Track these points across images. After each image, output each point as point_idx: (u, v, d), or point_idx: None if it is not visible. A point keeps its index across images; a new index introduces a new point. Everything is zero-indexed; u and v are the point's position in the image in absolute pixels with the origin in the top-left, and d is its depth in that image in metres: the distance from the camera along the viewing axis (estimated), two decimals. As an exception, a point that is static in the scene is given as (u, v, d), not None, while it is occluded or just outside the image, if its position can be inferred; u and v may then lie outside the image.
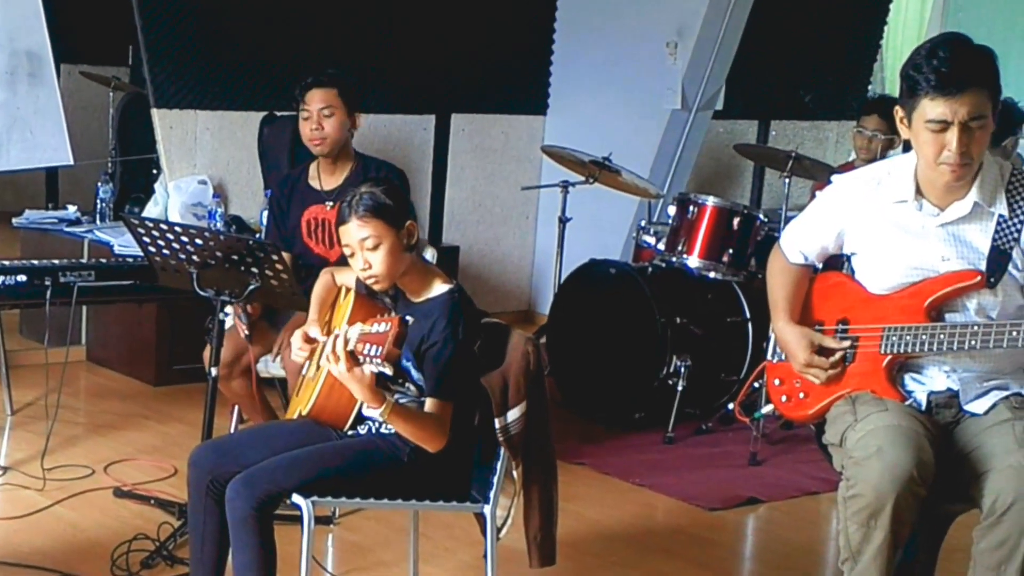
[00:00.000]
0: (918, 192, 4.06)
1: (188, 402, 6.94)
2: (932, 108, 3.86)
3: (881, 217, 4.13)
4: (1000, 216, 4.02)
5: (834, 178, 4.36)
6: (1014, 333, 3.92)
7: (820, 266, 4.44)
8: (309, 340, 4.33)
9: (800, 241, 4.37)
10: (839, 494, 4.00)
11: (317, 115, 5.70)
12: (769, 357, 4.51)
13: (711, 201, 7.16)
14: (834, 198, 4.29)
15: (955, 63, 3.83)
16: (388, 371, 3.85)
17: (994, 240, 4.01)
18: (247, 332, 5.41)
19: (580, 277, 7.43)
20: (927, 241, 4.07)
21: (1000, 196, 4.03)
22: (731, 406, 6.91)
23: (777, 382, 4.43)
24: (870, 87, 10.81)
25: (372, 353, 3.78)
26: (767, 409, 4.61)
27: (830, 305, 4.32)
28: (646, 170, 8.48)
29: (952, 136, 3.86)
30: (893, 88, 11.17)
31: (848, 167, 7.62)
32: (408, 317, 3.91)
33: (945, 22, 11.89)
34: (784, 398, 4.40)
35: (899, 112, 4.02)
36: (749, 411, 6.34)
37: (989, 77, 3.91)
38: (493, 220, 9.47)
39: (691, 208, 7.17)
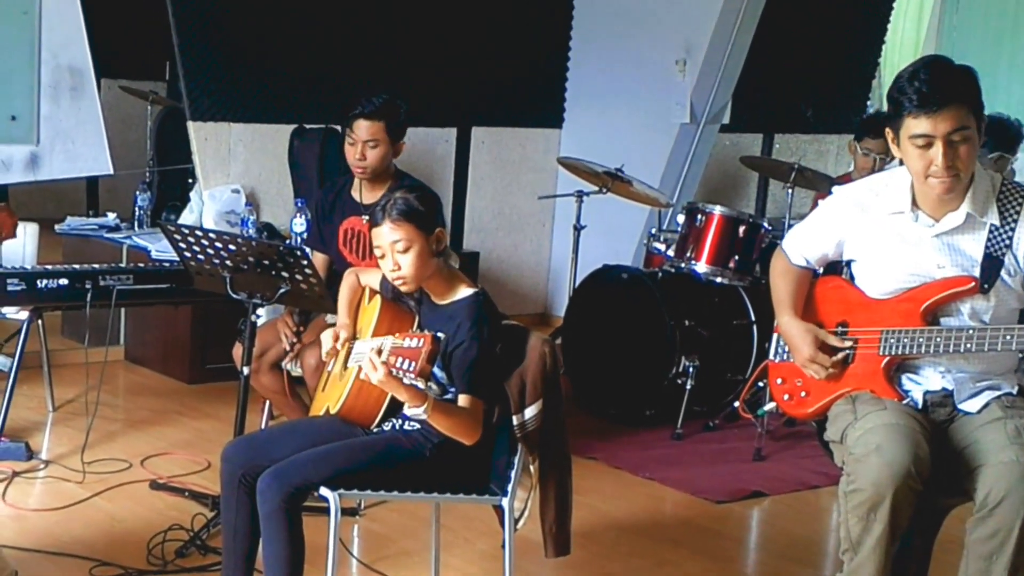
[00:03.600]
0: (914, 204, 4.06)
1: (220, 399, 6.93)
2: (916, 125, 3.87)
3: (879, 227, 4.12)
4: (992, 225, 4.01)
5: (835, 189, 4.36)
6: (1007, 336, 3.93)
7: (820, 270, 4.43)
8: (337, 339, 4.33)
9: (803, 246, 4.36)
10: (840, 488, 3.99)
11: (362, 146, 5.56)
12: (771, 357, 4.48)
13: (718, 210, 7.15)
14: (835, 208, 4.28)
15: (934, 82, 3.84)
16: (420, 384, 3.85)
17: (987, 247, 4.01)
18: (288, 348, 5.41)
19: (594, 281, 7.41)
20: (923, 250, 4.06)
21: (992, 206, 4.03)
22: (736, 404, 6.89)
23: (779, 381, 4.41)
24: (868, 103, 10.80)
25: (405, 367, 3.78)
26: (769, 406, 4.59)
27: (829, 308, 4.31)
28: (656, 180, 8.47)
29: (937, 151, 3.86)
30: (890, 103, 11.15)
31: (846, 178, 7.61)
32: (440, 334, 3.90)
33: (940, 42, 11.87)
34: (786, 396, 4.38)
35: (890, 133, 4.02)
36: (752, 408, 6.31)
37: (968, 93, 3.91)
38: (511, 227, 9.46)
39: (699, 217, 7.16)
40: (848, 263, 4.31)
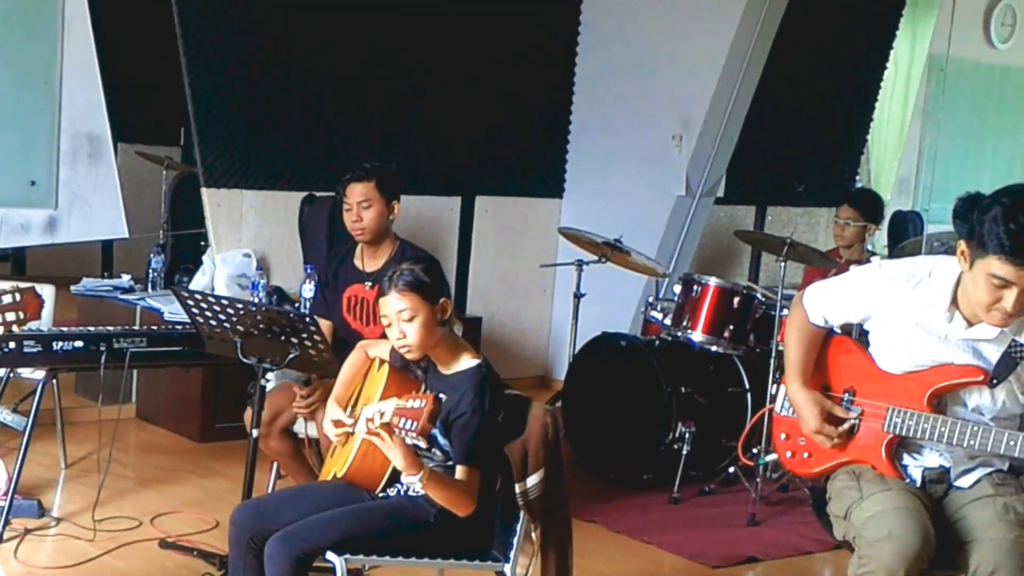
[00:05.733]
0: (953, 302, 3.92)
1: (230, 458, 6.84)
2: (1000, 267, 3.69)
3: (910, 314, 3.98)
4: (1014, 340, 3.88)
5: (875, 260, 4.23)
6: (1011, 443, 3.83)
7: (838, 331, 4.32)
8: (339, 423, 4.27)
9: (826, 308, 4.20)
10: (850, 571, 3.91)
11: (357, 208, 5.61)
12: (778, 410, 4.38)
13: (713, 281, 7.11)
14: (870, 283, 4.11)
15: None
16: (422, 444, 3.83)
17: (1007, 349, 3.90)
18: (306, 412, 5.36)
19: (593, 348, 7.35)
20: (946, 347, 3.95)
21: None
22: (736, 460, 6.78)
23: (783, 436, 4.33)
24: (857, 178, 10.80)
25: (407, 427, 3.75)
26: (770, 457, 4.49)
27: (839, 372, 4.22)
28: (653, 251, 8.42)
29: (1011, 296, 3.72)
30: (877, 179, 11.23)
31: (835, 253, 7.64)
32: (441, 395, 3.86)
33: (926, 121, 11.90)
34: (789, 453, 4.30)
35: (962, 246, 3.81)
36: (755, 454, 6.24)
37: None
38: (513, 294, 9.41)
39: (695, 287, 7.12)
40: (865, 332, 4.21)
